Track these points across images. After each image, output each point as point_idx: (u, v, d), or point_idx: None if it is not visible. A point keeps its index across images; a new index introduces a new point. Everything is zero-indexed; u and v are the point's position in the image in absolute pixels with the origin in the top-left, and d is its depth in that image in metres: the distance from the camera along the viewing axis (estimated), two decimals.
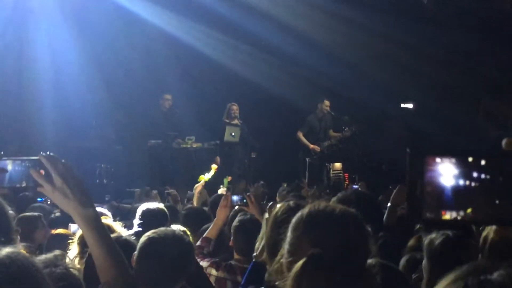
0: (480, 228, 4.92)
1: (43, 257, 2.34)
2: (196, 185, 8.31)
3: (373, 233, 3.22)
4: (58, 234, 5.05)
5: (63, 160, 2.21)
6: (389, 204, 4.75)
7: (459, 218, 1.15)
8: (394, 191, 4.88)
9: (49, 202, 8.10)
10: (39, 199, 8.36)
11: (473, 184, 1.17)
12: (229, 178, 10.03)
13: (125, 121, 13.44)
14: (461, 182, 1.17)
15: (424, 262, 3.20)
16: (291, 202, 3.20)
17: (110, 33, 13.23)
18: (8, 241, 1.76)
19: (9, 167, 2.25)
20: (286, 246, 1.88)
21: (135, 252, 3.14)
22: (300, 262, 1.73)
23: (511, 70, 12.88)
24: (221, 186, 9.30)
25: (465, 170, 1.17)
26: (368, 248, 1.86)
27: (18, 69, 12.60)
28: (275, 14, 13.30)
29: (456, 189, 1.16)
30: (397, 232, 4.67)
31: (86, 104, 12.70)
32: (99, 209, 4.71)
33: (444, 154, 1.16)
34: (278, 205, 3.30)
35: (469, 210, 1.15)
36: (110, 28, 13.17)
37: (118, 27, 13.27)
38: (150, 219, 4.70)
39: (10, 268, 1.59)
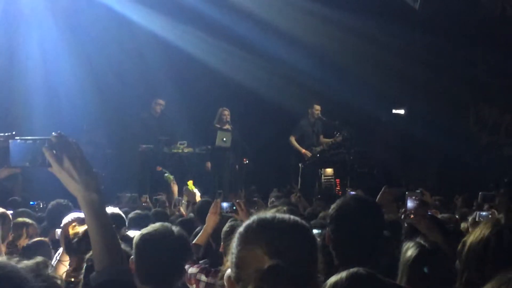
0: None
1: (23, 264, 2.28)
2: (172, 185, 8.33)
3: (374, 239, 3.19)
4: (37, 241, 5.00)
5: (73, 141, 2.20)
6: None
7: None
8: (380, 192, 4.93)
9: (41, 205, 8.04)
10: (31, 203, 8.33)
11: None
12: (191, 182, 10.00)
13: (116, 126, 13.39)
14: None
15: (400, 272, 3.16)
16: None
17: (102, 37, 13.19)
18: None
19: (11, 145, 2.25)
20: (233, 259, 1.79)
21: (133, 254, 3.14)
22: (259, 275, 1.68)
23: (502, 75, 12.92)
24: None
25: None
26: (317, 258, 1.83)
27: (9, 73, 12.54)
28: (267, 18, 13.30)
29: None
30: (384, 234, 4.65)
31: (77, 108, 12.64)
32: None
33: None
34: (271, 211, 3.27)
35: None
36: (102, 32, 13.13)
37: (109, 31, 13.23)
38: None
39: None
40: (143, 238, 3.17)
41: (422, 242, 3.22)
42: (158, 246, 3.11)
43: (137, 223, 5.23)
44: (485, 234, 2.55)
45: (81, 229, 3.75)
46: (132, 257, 3.13)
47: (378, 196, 4.85)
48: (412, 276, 3.09)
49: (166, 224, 3.33)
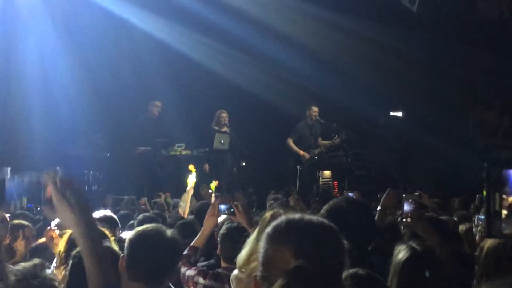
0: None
1: (21, 266, 2.28)
2: (188, 188, 8.26)
3: (367, 240, 3.20)
4: (42, 244, 5.00)
5: (74, 177, 2.25)
6: (378, 208, 4.74)
7: None
8: (384, 194, 4.91)
9: (39, 208, 8.05)
10: (28, 205, 8.33)
11: None
12: (216, 183, 9.91)
13: (114, 128, 13.37)
14: None
15: (390, 275, 3.16)
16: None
17: (100, 39, 13.19)
18: None
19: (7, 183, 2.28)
20: (259, 259, 1.82)
21: (124, 251, 3.21)
22: (285, 275, 1.69)
23: (500, 78, 12.93)
24: (210, 191, 9.26)
25: None
26: (345, 260, 1.85)
27: (7, 75, 12.52)
28: (265, 20, 13.31)
29: None
30: (386, 236, 4.66)
31: (75, 111, 12.63)
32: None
33: None
34: (267, 214, 3.27)
35: None
36: (100, 34, 13.13)
37: (107, 33, 13.23)
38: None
39: None
40: (137, 235, 3.26)
41: (414, 245, 3.22)
42: (151, 244, 3.20)
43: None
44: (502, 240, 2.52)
45: (61, 243, 3.77)
46: (122, 254, 3.17)
47: (382, 199, 4.84)
48: (403, 279, 3.09)
49: (160, 225, 3.42)
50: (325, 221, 1.89)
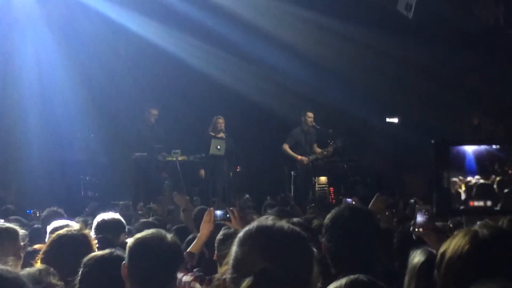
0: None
1: (26, 271, 2.28)
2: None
3: (369, 247, 3.22)
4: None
5: None
6: None
7: (488, 205, 1.15)
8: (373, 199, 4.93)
9: (38, 214, 8.06)
10: (28, 211, 8.37)
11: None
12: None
13: (111, 134, 13.37)
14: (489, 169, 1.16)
15: (407, 280, 3.17)
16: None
17: (97, 45, 13.20)
18: None
19: None
20: (230, 261, 1.89)
21: (125, 258, 3.18)
22: (250, 277, 1.76)
23: (496, 84, 12.96)
24: None
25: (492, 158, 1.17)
26: (313, 266, 1.91)
27: (3, 80, 12.52)
28: (262, 26, 13.32)
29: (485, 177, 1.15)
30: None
31: (71, 116, 12.64)
32: (67, 221, 4.77)
33: (470, 143, 1.15)
34: None
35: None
36: (97, 40, 13.14)
37: (104, 39, 13.24)
38: (106, 230, 4.74)
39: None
40: (136, 242, 3.22)
41: (429, 248, 3.25)
42: (151, 251, 3.16)
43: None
44: (464, 248, 2.41)
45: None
46: (124, 261, 3.16)
47: (371, 203, 4.86)
48: (420, 282, 3.10)
49: (160, 230, 3.38)
50: (296, 228, 1.95)
